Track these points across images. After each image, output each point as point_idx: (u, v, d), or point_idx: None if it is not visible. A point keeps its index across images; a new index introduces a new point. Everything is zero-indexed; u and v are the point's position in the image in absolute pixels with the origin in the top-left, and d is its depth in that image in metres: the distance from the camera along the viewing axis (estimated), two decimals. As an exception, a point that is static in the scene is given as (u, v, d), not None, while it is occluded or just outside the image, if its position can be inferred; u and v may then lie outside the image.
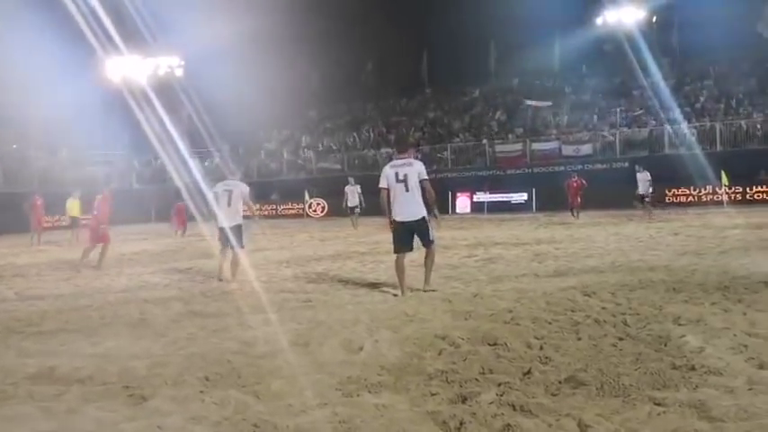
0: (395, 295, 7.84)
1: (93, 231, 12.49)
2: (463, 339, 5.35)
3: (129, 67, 39.56)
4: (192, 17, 32.08)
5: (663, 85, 30.83)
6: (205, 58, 37.50)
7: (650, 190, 20.74)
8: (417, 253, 8.39)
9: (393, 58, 44.71)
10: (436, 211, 8.30)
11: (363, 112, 45.58)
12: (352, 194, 22.00)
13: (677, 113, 29.21)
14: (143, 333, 6.19)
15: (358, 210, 21.81)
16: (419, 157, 8.11)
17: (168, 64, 43.48)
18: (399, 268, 7.95)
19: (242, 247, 9.92)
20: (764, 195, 25.54)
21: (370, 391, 4.15)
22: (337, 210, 24.27)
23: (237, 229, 9.84)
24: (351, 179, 22.79)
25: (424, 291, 7.91)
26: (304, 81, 44.22)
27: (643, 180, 20.77)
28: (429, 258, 8.13)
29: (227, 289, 8.97)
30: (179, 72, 43.61)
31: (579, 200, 21.67)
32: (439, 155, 35.00)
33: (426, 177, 7.96)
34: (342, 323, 6.18)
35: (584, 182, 21.83)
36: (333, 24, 39.83)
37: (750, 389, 3.91)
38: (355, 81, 46.82)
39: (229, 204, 9.81)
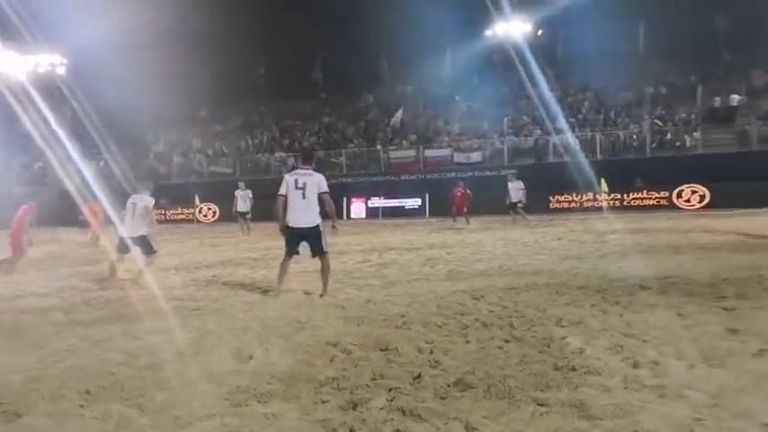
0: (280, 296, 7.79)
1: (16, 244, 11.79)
2: (355, 345, 5.37)
3: (4, 64, 37.17)
4: (76, 13, 30.57)
5: (548, 96, 32.12)
6: (90, 55, 35.75)
7: (523, 198, 21.71)
8: (312, 260, 8.38)
9: (287, 61, 44.24)
10: (336, 223, 8.50)
11: (257, 115, 44.95)
12: (243, 200, 21.52)
13: (562, 123, 30.50)
14: (19, 345, 5.83)
15: (249, 215, 21.39)
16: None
17: (49, 61, 41.23)
18: (283, 269, 8.28)
19: (151, 254, 9.97)
20: (640, 202, 27.09)
21: (259, 401, 4.09)
22: (229, 215, 23.77)
23: (142, 239, 9.85)
24: (241, 184, 22.31)
25: (320, 296, 8.01)
26: (195, 82, 43.07)
27: (515, 189, 21.90)
28: (324, 267, 8.23)
29: (111, 297, 8.59)
30: (61, 70, 41.45)
31: (466, 208, 22.23)
32: (333, 160, 34.98)
33: (326, 190, 8.17)
34: (231, 331, 6.06)
35: (469, 191, 22.41)
36: (224, 24, 39.01)
37: (626, 387, 4.13)
38: (248, 83, 46.02)
39: (133, 217, 9.88)
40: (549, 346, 5.22)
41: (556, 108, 30.86)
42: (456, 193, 22.41)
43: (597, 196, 26.91)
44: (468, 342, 5.44)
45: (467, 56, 40.44)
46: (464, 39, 40.00)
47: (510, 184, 21.95)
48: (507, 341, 5.45)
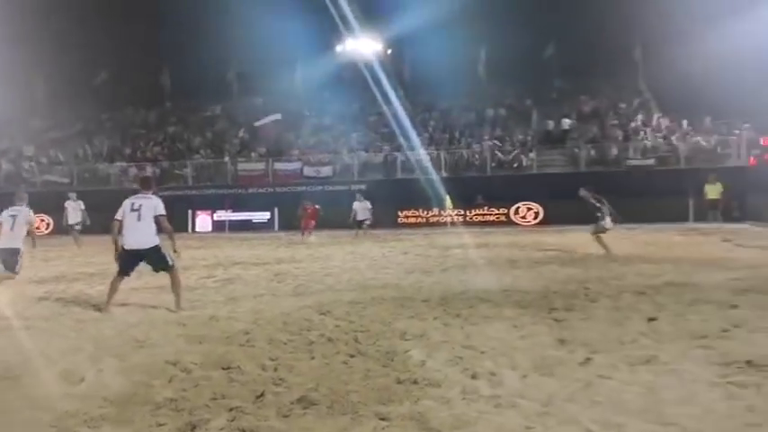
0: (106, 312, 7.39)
1: None
2: (196, 364, 5.19)
3: None
4: None
5: (397, 114, 32.91)
6: None
7: (369, 217, 22.38)
8: (153, 276, 8.06)
9: (131, 69, 42.34)
10: (176, 247, 8.28)
11: (97, 122, 42.60)
12: (74, 211, 20.28)
13: (410, 140, 31.33)
14: None
15: (79, 227, 20.18)
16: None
17: None
18: (113, 287, 8.12)
19: (15, 271, 9.38)
20: (481, 218, 28.32)
21: (89, 426, 3.85)
22: (64, 227, 22.27)
23: (13, 253, 9.35)
24: (72, 194, 21.01)
25: (173, 311, 7.91)
26: (27, 87, 40.20)
27: (362, 208, 22.67)
28: (174, 282, 8.15)
29: None
30: None
31: (313, 223, 22.36)
32: (178, 171, 33.76)
33: (163, 213, 8.08)
34: (62, 352, 5.67)
35: (317, 207, 22.58)
36: (60, 26, 36.75)
37: (464, 398, 4.27)
38: (88, 90, 43.50)
39: (12, 228, 9.41)
40: (392, 360, 5.31)
41: (404, 126, 31.66)
42: (305, 208, 22.42)
43: (442, 212, 27.88)
44: (313, 358, 5.42)
45: (318, 71, 40.78)
46: (316, 54, 40.32)
47: (356, 204, 22.56)
48: (352, 356, 5.48)
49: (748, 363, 4.97)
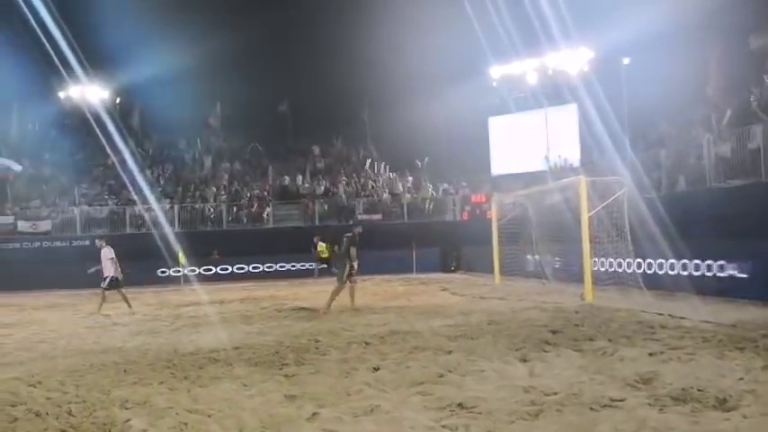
0: None
1: None
2: None
3: None
4: None
5: (127, 165, 31.30)
6: None
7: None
8: None
9: None
10: None
11: None
12: None
13: (141, 193, 29.85)
14: None
15: None
16: None
17: None
18: None
19: None
20: (217, 272, 27.76)
21: None
22: None
23: None
24: None
25: None
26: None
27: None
28: None
29: None
30: None
31: None
32: None
33: None
34: None
35: None
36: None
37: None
38: None
39: None
40: (110, 431, 4.92)
41: (134, 178, 30.18)
42: None
43: (175, 268, 26.80)
44: (15, 437, 4.83)
45: (37, 117, 37.61)
46: (35, 98, 37.06)
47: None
48: (64, 431, 4.98)
49: (459, 405, 5.40)
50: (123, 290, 15.69)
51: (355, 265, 13.51)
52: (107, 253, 15.73)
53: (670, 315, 10.15)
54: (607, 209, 13.87)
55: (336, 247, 14.36)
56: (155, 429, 4.93)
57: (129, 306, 15.39)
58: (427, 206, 30.79)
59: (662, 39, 21.68)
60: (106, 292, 15.39)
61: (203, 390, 6.28)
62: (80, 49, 30.30)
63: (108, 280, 15.45)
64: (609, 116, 22.88)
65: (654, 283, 13.62)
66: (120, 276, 15.78)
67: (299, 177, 33.54)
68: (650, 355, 7.20)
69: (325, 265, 24.36)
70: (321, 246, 24.57)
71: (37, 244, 27.68)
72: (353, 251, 13.52)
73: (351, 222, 26.69)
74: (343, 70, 36.00)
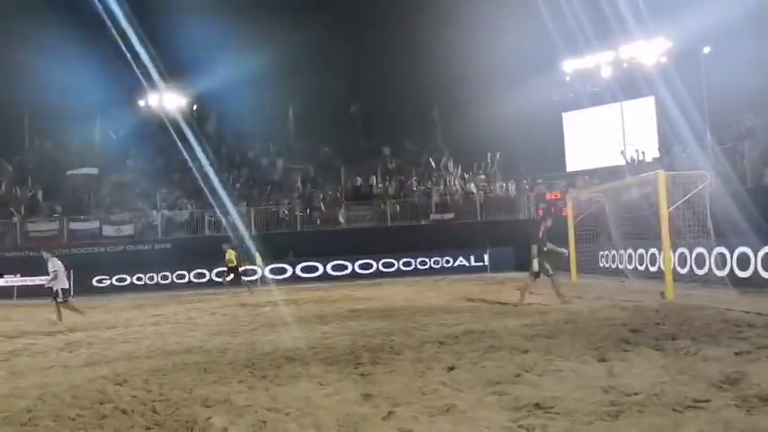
0: None
1: None
2: (-38, 453, 4.59)
3: None
4: None
5: (204, 170, 32.23)
6: None
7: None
8: None
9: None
10: None
11: None
12: None
13: (218, 197, 30.63)
14: None
15: None
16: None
17: None
18: None
19: None
20: (294, 273, 28.20)
21: None
22: None
23: None
24: None
25: None
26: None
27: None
28: None
29: None
30: None
31: None
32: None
33: None
34: None
35: None
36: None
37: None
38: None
39: None
40: (192, 429, 5.05)
41: (212, 182, 30.99)
42: None
43: (254, 269, 27.35)
44: (104, 434, 5.01)
45: (119, 124, 39.13)
46: (117, 107, 38.61)
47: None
48: (149, 428, 5.15)
49: (536, 405, 5.28)
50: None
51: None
52: (56, 265, 15.52)
53: (758, 313, 9.71)
54: (689, 203, 13.40)
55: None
56: (235, 427, 5.02)
57: (60, 319, 14.82)
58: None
59: (745, 25, 20.77)
60: (62, 304, 15.05)
61: (281, 389, 6.36)
62: (157, 58, 31.43)
63: (61, 291, 15.19)
64: (689, 108, 22.12)
65: (740, 279, 13.07)
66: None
67: (372, 178, 33.75)
68: (736, 354, 6.88)
69: (233, 275, 23.44)
70: (230, 253, 23.48)
71: (121, 247, 28.79)
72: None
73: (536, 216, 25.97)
74: (413, 70, 36.11)
